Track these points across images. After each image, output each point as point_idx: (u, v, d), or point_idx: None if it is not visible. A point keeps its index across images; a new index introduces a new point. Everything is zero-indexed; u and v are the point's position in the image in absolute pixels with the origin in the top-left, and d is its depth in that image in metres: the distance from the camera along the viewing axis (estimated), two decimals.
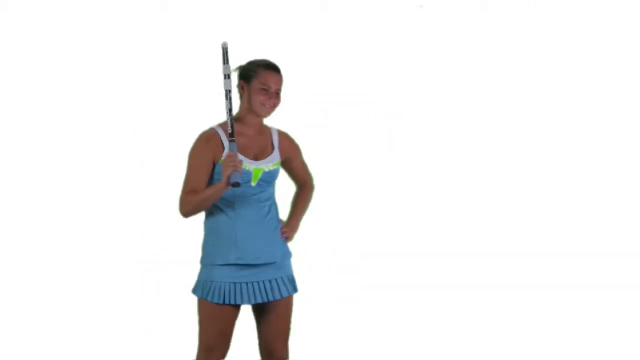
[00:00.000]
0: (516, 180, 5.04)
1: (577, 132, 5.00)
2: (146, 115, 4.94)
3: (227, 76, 2.98)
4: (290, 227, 3.20)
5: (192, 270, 3.18)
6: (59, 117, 4.97)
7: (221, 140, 3.03)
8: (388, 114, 5.05)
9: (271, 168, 3.09)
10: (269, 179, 3.08)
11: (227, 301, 3.02)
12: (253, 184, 3.04)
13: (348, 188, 5.02)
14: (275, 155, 3.12)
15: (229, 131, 2.94)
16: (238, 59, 3.11)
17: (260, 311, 3.16)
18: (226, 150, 3.01)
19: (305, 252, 3.46)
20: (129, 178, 4.91)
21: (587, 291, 4.87)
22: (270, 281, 3.08)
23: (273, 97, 3.05)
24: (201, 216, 3.12)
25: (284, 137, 3.20)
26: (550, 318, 4.80)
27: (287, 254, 3.18)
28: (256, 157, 3.07)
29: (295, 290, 3.18)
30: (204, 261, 3.09)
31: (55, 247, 4.91)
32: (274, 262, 3.09)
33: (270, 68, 3.07)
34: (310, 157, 3.36)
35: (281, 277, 3.11)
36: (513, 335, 4.63)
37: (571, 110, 5.00)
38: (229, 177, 2.87)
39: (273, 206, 3.13)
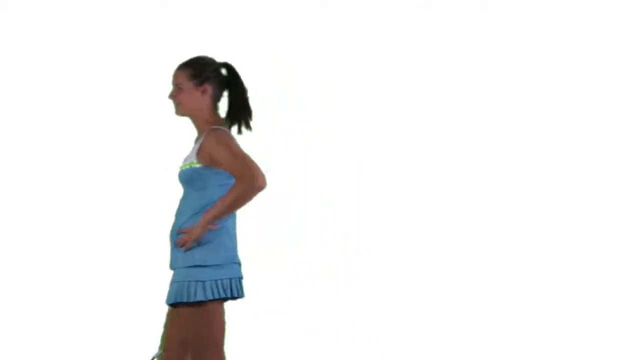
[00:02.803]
0: (516, 180, 5.04)
1: (578, 131, 5.00)
2: (146, 115, 4.95)
3: None
4: (187, 231, 2.91)
5: None
6: (59, 117, 4.98)
7: None
8: (387, 113, 5.06)
9: (182, 168, 2.97)
10: (181, 179, 2.97)
11: None
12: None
13: (348, 188, 5.02)
14: (191, 155, 2.97)
15: None
16: (237, 58, 3.12)
17: None
18: None
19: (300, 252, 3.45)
20: (130, 178, 4.93)
21: (587, 291, 4.88)
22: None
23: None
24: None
25: (207, 135, 2.97)
26: (550, 318, 4.81)
27: (183, 261, 2.93)
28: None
29: (169, 299, 2.94)
30: None
31: (63, 248, 4.93)
32: (174, 269, 2.95)
33: None
34: (311, 156, 3.34)
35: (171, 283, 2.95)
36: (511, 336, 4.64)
37: (572, 109, 5.00)
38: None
39: (185, 210, 2.95)
